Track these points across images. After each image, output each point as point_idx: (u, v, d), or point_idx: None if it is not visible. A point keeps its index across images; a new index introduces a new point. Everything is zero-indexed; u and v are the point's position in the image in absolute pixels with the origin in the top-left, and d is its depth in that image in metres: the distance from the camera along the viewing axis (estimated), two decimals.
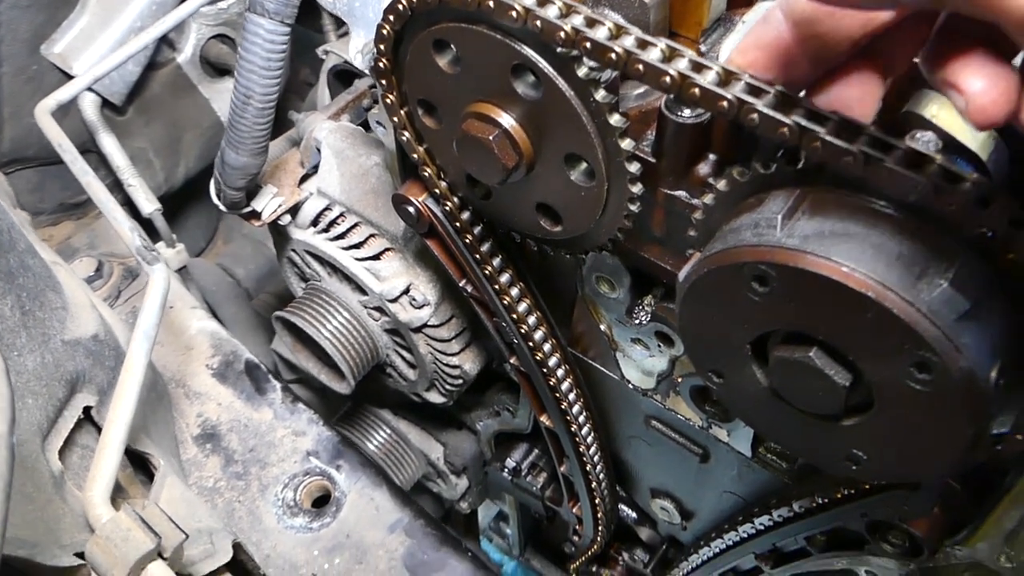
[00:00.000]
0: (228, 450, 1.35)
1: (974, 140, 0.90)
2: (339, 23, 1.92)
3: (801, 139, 0.69)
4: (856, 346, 0.72)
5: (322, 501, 1.34)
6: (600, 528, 1.64)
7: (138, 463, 1.16)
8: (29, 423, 0.94)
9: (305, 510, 1.31)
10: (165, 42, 1.99)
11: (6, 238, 0.98)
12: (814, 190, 0.73)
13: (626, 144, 0.86)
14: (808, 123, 0.68)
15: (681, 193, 0.91)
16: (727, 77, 0.73)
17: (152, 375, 1.24)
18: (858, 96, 0.69)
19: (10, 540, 0.73)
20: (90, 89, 1.81)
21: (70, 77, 1.89)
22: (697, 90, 0.73)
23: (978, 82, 0.66)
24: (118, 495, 0.99)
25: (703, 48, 1.04)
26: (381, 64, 0.98)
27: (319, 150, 1.45)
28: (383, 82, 1.01)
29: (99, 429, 1.05)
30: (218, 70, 2.17)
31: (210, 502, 1.27)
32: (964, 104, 0.67)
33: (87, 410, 1.07)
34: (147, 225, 1.80)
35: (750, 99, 0.71)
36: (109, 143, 1.86)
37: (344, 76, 1.76)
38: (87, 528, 0.92)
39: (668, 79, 0.74)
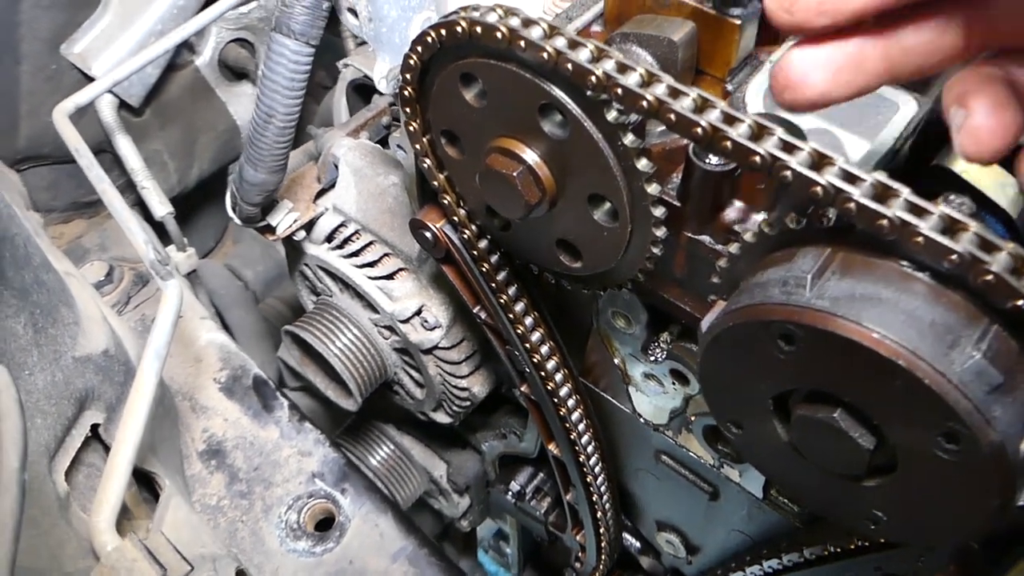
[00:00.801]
0: (233, 468, 1.34)
1: (1004, 197, 0.89)
2: None
3: (834, 199, 0.68)
4: (882, 411, 0.71)
5: (325, 524, 1.32)
6: (603, 557, 1.63)
7: (143, 481, 1.15)
8: (37, 444, 0.93)
9: (308, 533, 1.29)
10: (184, 45, 1.99)
11: (22, 253, 0.97)
12: (845, 250, 0.72)
13: (652, 189, 0.84)
14: (842, 183, 0.67)
15: (705, 238, 0.90)
16: (760, 131, 0.71)
17: (160, 390, 1.22)
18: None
19: (16, 569, 0.72)
20: (108, 91, 1.80)
21: (89, 77, 1.88)
22: (729, 143, 0.72)
23: (982, 108, 0.64)
24: (123, 517, 0.97)
25: (729, 87, 1.03)
26: (406, 92, 0.98)
27: (337, 166, 1.44)
28: (407, 110, 1.00)
29: (106, 448, 1.05)
30: (236, 74, 2.16)
31: (213, 521, 1.26)
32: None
33: (95, 427, 1.06)
34: (158, 227, 1.79)
35: (783, 155, 0.70)
36: (125, 145, 1.85)
37: (363, 90, 1.75)
38: (91, 554, 0.91)
39: (700, 130, 0.73)
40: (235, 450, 1.35)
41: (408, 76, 0.95)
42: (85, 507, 1.00)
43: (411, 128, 1.02)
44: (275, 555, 1.26)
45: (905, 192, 0.66)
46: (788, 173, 0.69)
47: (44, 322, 0.98)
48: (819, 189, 0.68)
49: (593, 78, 0.77)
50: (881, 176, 0.67)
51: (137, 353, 1.17)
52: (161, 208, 1.78)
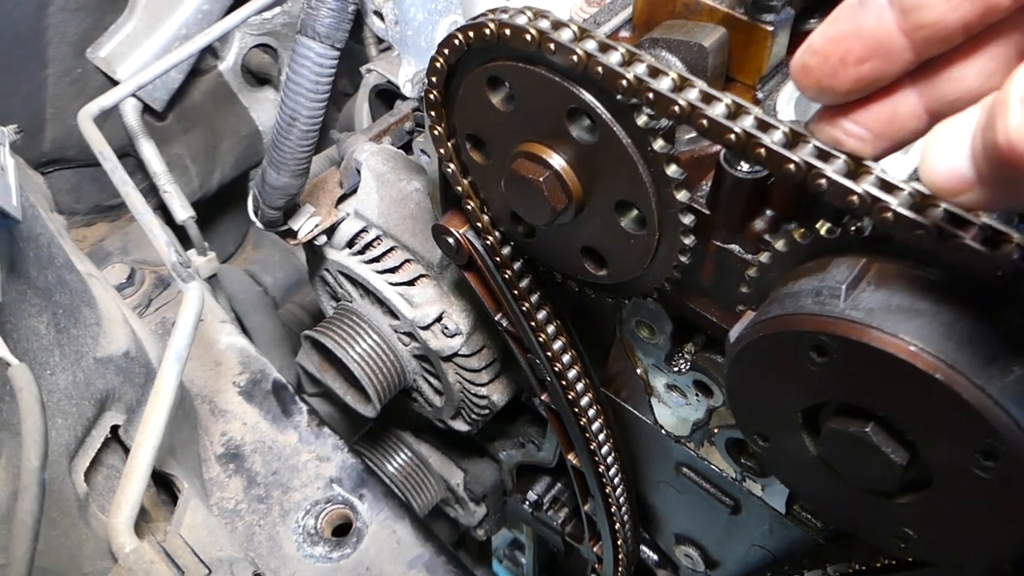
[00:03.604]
0: (251, 472, 1.33)
1: None
2: (381, 38, 1.91)
3: (871, 208, 0.66)
4: (917, 427, 0.69)
5: (343, 530, 1.31)
6: (620, 569, 1.61)
7: (162, 483, 1.14)
8: (57, 444, 0.93)
9: (325, 539, 1.29)
10: (208, 50, 2.00)
11: (45, 253, 0.97)
12: (880, 260, 0.70)
13: (681, 196, 0.83)
14: (879, 192, 0.66)
15: (734, 247, 0.88)
16: (795, 138, 0.70)
17: (180, 392, 1.22)
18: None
19: (34, 569, 0.72)
20: (132, 95, 1.81)
21: (114, 81, 1.89)
22: (763, 150, 0.70)
23: None
24: (141, 519, 0.97)
25: (760, 95, 1.02)
26: (432, 96, 0.97)
27: (359, 171, 1.43)
28: (432, 114, 0.99)
29: (126, 449, 1.04)
30: (259, 79, 2.17)
31: (230, 525, 1.25)
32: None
33: (115, 429, 1.06)
34: (179, 232, 1.80)
35: (818, 163, 0.68)
36: (148, 149, 1.86)
37: (385, 95, 1.75)
38: (109, 556, 0.91)
39: (733, 136, 0.71)
40: (254, 454, 1.35)
41: (434, 79, 0.95)
42: (104, 508, 0.99)
43: (436, 132, 1.01)
44: (292, 560, 1.25)
45: (945, 202, 0.64)
46: (823, 181, 0.68)
47: (66, 322, 0.98)
48: (855, 198, 0.66)
49: (624, 82, 0.76)
50: (919, 185, 0.65)
51: (158, 355, 1.16)
52: (183, 212, 1.79)
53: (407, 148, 1.50)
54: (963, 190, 0.56)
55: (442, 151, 1.03)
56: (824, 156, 0.68)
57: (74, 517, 0.92)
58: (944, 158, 0.56)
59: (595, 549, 1.65)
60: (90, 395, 0.99)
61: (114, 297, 1.18)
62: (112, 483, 1.03)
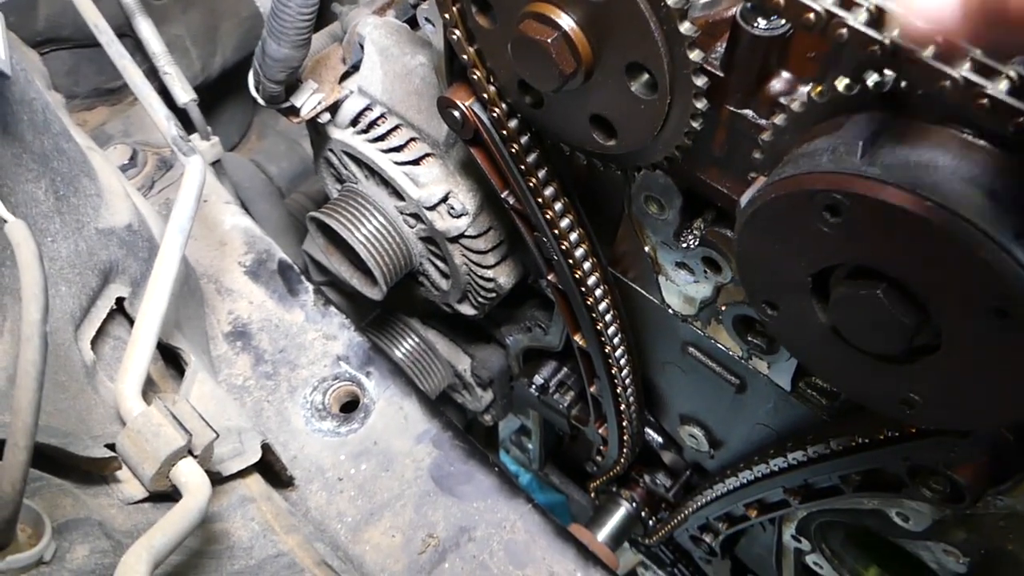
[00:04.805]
0: (258, 349, 1.34)
1: None
2: None
3: (895, 59, 0.63)
4: (931, 287, 0.68)
5: (350, 407, 1.33)
6: (624, 450, 1.64)
7: (169, 358, 1.15)
8: (62, 311, 0.92)
9: (333, 414, 1.30)
10: None
11: (40, 119, 0.95)
12: (900, 116, 0.68)
13: (695, 55, 0.80)
14: (905, 42, 0.63)
15: (748, 112, 0.85)
16: None
17: (185, 269, 1.21)
18: None
19: (43, 428, 0.72)
20: None
21: None
22: None
23: None
24: (149, 389, 0.98)
25: None
26: None
27: (362, 46, 1.39)
28: None
29: (131, 321, 1.04)
30: None
31: (239, 400, 1.27)
32: None
33: (120, 301, 1.06)
34: (182, 116, 1.76)
35: (840, 12, 0.65)
36: (146, 28, 1.80)
37: None
38: (118, 420, 0.92)
39: None
40: (260, 332, 1.35)
41: None
42: (112, 377, 1.00)
43: None
44: (300, 434, 1.26)
45: (974, 51, 0.61)
46: (845, 31, 0.65)
47: (65, 190, 0.96)
48: (878, 48, 0.63)
49: None
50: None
51: (161, 232, 1.15)
52: (184, 94, 1.74)
53: (412, 23, 1.45)
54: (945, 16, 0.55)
55: (447, 16, 1.00)
56: (847, 4, 0.65)
57: (82, 383, 0.93)
58: None
59: (600, 431, 1.67)
60: (93, 265, 0.98)
61: (115, 171, 1.16)
62: (119, 354, 1.03)
